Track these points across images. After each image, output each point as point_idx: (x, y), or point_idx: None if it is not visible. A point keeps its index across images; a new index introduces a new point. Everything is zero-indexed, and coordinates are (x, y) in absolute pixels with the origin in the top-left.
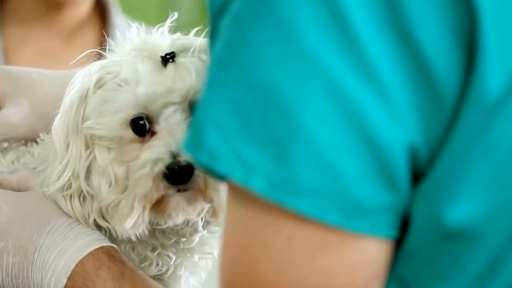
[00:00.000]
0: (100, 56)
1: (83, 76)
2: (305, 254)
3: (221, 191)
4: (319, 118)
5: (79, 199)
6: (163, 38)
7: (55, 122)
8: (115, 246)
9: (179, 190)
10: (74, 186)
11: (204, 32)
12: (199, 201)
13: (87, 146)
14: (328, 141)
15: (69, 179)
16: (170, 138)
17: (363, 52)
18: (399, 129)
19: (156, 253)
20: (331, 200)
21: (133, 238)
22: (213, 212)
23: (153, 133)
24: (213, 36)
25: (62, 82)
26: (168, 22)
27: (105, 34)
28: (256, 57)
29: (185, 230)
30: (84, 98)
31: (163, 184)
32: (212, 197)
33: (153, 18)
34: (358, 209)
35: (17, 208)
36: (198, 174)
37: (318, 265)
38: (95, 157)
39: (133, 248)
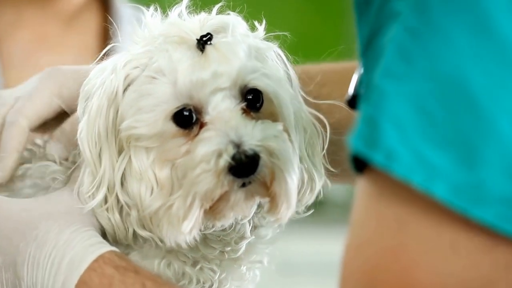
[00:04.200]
0: (107, 44)
1: (107, 74)
2: (470, 261)
3: (289, 180)
4: None
5: (118, 211)
6: (190, 20)
7: (79, 130)
8: (115, 249)
9: (243, 184)
10: (111, 199)
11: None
12: (259, 196)
13: (120, 152)
14: None
15: (104, 193)
16: (225, 127)
17: None
18: None
19: (197, 268)
20: None
21: (184, 245)
22: (272, 207)
23: (201, 124)
24: (362, 11)
25: None
26: (185, 2)
27: (108, 20)
28: (447, 48)
29: (230, 237)
30: (113, 99)
31: (227, 179)
32: (277, 189)
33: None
34: None
35: (3, 216)
36: (264, 163)
37: (482, 273)
38: (129, 162)
39: (168, 265)
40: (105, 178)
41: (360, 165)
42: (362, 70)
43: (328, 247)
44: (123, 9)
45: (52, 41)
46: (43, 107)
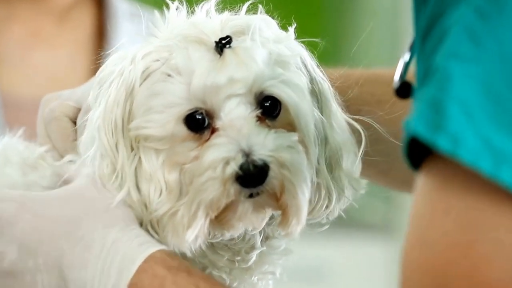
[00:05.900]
0: (101, 40)
1: (126, 63)
2: None
3: (300, 194)
4: None
5: None
6: (211, 19)
7: (95, 118)
8: (165, 247)
9: (250, 195)
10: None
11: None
12: (268, 208)
13: (131, 149)
14: None
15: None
16: (236, 134)
17: None
18: None
19: (206, 273)
20: None
21: (189, 254)
22: (283, 221)
23: (213, 130)
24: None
25: None
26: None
27: (103, 15)
28: None
29: (240, 247)
30: (130, 91)
31: (234, 188)
32: (287, 202)
33: None
34: None
35: (41, 214)
36: (274, 175)
37: None
38: (140, 161)
39: None
40: (125, 170)
41: (416, 159)
42: (407, 58)
43: (328, 252)
44: (119, 4)
45: (46, 37)
46: None
